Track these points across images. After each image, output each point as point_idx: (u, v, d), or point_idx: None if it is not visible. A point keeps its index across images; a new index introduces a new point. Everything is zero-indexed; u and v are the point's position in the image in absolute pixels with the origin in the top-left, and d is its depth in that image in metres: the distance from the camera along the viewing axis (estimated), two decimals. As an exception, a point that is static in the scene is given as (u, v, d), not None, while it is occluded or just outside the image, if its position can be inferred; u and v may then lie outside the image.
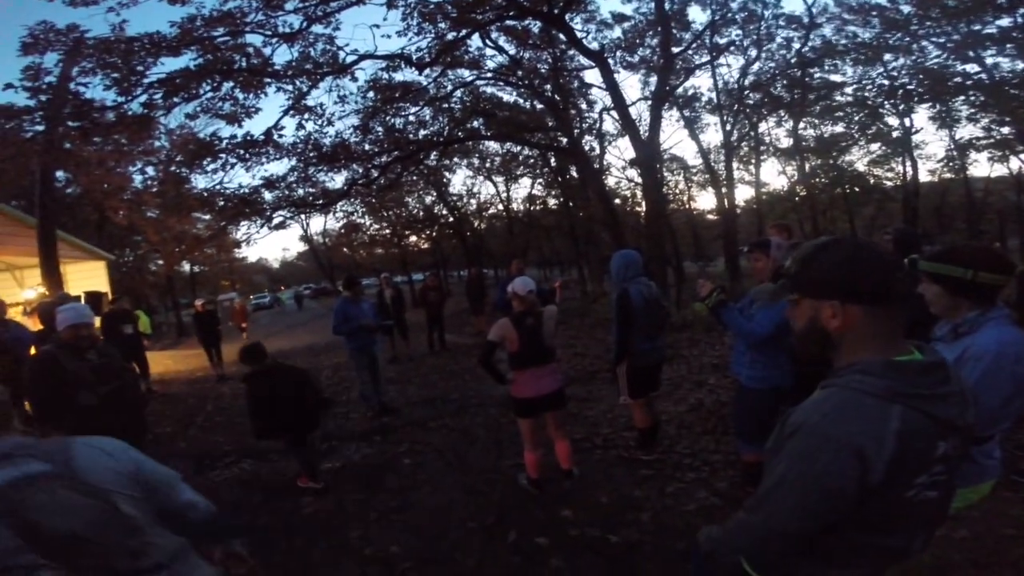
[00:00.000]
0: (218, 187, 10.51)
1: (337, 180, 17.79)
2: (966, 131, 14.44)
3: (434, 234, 25.64)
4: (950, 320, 1.65)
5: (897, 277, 0.97)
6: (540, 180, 20.88)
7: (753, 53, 12.02)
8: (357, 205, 20.18)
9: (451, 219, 23.38)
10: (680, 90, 13.44)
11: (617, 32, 11.86)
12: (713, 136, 39.34)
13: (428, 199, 23.52)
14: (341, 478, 4.11)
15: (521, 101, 12.45)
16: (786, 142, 15.91)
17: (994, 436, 1.66)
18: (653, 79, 10.68)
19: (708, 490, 3.25)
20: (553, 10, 8.90)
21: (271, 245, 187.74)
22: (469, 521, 3.21)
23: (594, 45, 10.36)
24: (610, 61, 10.51)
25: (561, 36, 9.86)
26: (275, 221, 11.60)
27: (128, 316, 7.68)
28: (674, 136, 60.63)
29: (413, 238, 27.24)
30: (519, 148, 16.49)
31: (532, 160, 18.82)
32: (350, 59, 9.54)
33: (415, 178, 19.31)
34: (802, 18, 10.96)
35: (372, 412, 5.61)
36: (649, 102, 10.38)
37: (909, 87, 9.46)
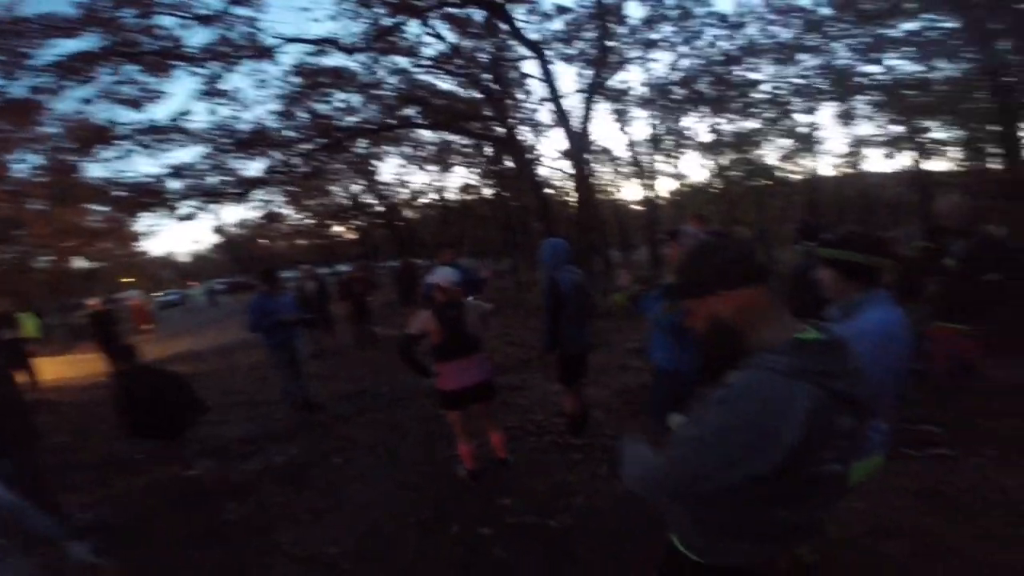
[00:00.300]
0: (117, 176, 9.52)
1: (255, 167, 16.93)
2: (863, 129, 15.99)
3: (362, 224, 24.69)
4: (840, 302, 1.77)
5: (758, 257, 1.08)
6: (475, 170, 20.62)
7: (682, 50, 12.52)
8: (277, 194, 18.98)
9: (380, 208, 22.59)
10: (612, 84, 13.74)
11: (558, 24, 11.86)
12: (640, 129, 40.97)
13: (356, 188, 22.55)
14: (265, 479, 3.91)
15: (458, 90, 12.19)
16: (706, 137, 16.77)
17: (882, 411, 1.75)
18: (588, 72, 10.75)
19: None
20: (495, -2, 8.75)
21: (180, 238, 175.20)
22: (407, 516, 3.15)
23: (534, 36, 10.28)
24: (548, 53, 10.53)
25: (502, 26, 9.69)
26: (183, 212, 10.76)
27: (6, 320, 6.73)
28: (605, 129, 62.50)
29: (339, 228, 26.13)
30: (454, 137, 16.17)
31: (468, 149, 18.54)
32: (274, 42, 8.92)
33: (342, 166, 18.43)
34: (729, 17, 11.56)
35: (296, 409, 5.35)
36: (583, 94, 10.45)
37: (818, 86, 10.28)
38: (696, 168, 49.83)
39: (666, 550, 1.23)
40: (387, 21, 8.92)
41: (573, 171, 10.83)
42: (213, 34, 8.49)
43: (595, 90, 10.42)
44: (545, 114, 15.68)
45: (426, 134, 17.25)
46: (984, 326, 3.19)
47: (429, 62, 10.57)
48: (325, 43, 9.09)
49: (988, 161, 10.59)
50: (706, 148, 17.12)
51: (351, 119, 10.91)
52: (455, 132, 13.40)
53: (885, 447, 1.83)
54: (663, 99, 14.44)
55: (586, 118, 10.07)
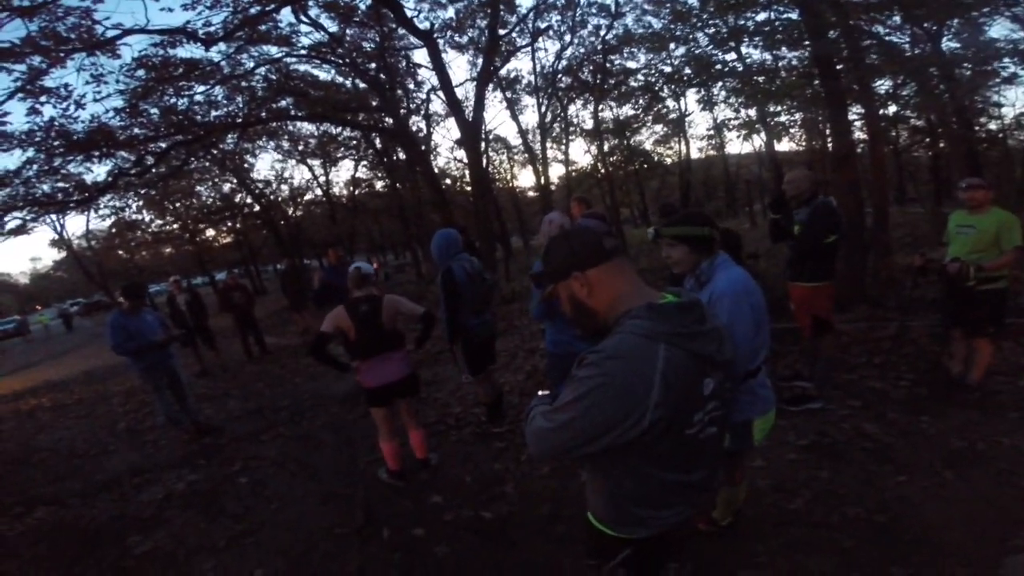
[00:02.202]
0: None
1: (99, 171, 14.78)
2: (723, 113, 17.76)
3: (238, 226, 22.50)
4: (691, 274, 1.98)
5: (605, 237, 1.17)
6: (364, 162, 19.68)
7: (567, 38, 12.92)
8: (130, 199, 16.62)
9: (257, 208, 20.73)
10: (503, 72, 13.85)
11: (450, 12, 11.61)
12: (531, 117, 41.73)
13: (227, 187, 20.46)
14: (169, 509, 3.58)
15: (341, 80, 11.47)
16: (590, 123, 17.61)
17: (761, 368, 1.98)
18: (480, 60, 10.71)
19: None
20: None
21: (14, 256, 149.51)
22: (336, 528, 3.01)
23: (425, 24, 9.95)
24: (439, 41, 10.27)
25: (390, 14, 9.26)
26: (8, 226, 9.19)
27: None
28: (498, 117, 63.01)
29: (211, 232, 23.58)
30: (339, 129, 15.26)
31: (354, 141, 17.62)
32: (112, 33, 7.69)
33: (207, 164, 16.59)
34: (610, 6, 12.14)
35: (187, 435, 4.90)
36: (475, 83, 10.38)
37: (684, 73, 11.18)
38: (583, 154, 52.21)
39: (586, 528, 1.28)
40: (255, 10, 8.07)
41: (468, 160, 10.73)
42: (36, 27, 7.11)
43: (486, 77, 10.39)
44: (437, 103, 15.43)
45: (306, 126, 16.16)
46: (830, 283, 3.65)
47: (306, 51, 9.81)
48: (176, 33, 8.02)
49: (824, 141, 12.37)
50: (590, 134, 17.95)
51: (214, 113, 9.82)
52: (339, 124, 12.67)
53: (773, 402, 2.05)
54: (551, 87, 14.85)
55: (479, 107, 10.03)
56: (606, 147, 18.80)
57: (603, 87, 14.21)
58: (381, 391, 3.22)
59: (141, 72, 8.58)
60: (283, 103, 10.69)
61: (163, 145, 9.44)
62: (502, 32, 10.43)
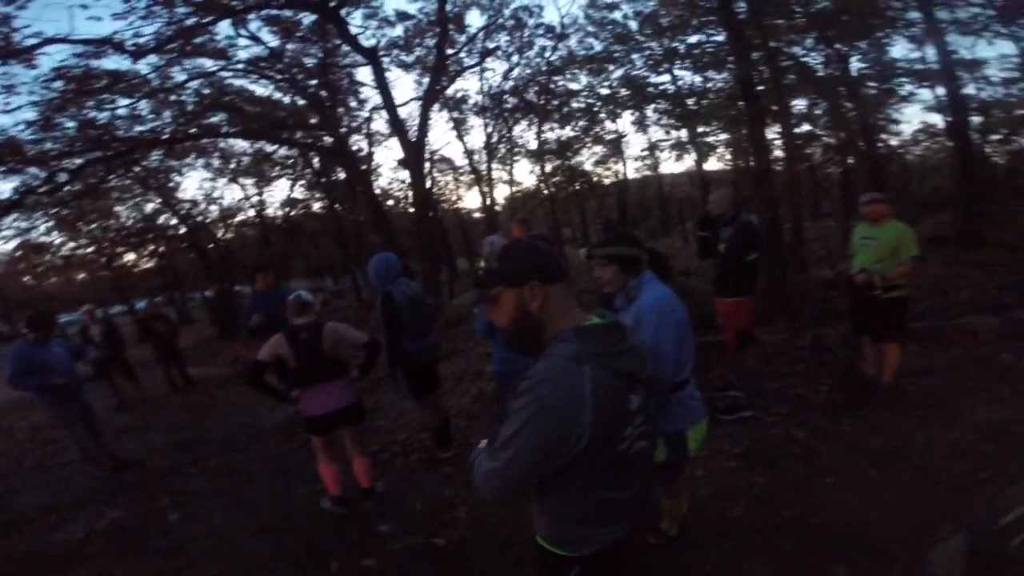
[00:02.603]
0: None
1: (2, 188, 13.43)
2: (656, 134, 18.70)
3: (161, 249, 21.02)
4: (622, 292, 2.08)
5: (559, 261, 1.23)
6: (301, 182, 19.03)
7: (515, 59, 13.15)
8: (39, 219, 15.22)
9: (183, 230, 19.49)
10: (450, 92, 13.85)
11: (398, 30, 11.53)
12: (478, 137, 41.91)
13: (150, 207, 19.13)
14: (92, 546, 3.34)
15: (280, 96, 11.10)
16: (534, 144, 17.99)
17: (689, 380, 2.07)
18: (427, 79, 10.66)
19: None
20: (328, 2, 8.10)
21: None
22: (275, 561, 2.87)
23: (371, 42, 9.82)
24: (385, 60, 10.19)
25: (334, 30, 9.11)
26: None
27: None
28: (443, 137, 62.96)
29: (130, 256, 21.90)
30: (274, 147, 14.71)
31: (291, 160, 17.02)
32: (31, 42, 7.13)
33: (129, 182, 15.50)
34: (556, 28, 12.46)
35: (104, 471, 4.58)
36: (420, 102, 10.35)
37: (619, 95, 11.70)
38: (527, 174, 53.09)
39: (537, 550, 1.30)
40: (192, 21, 7.71)
41: (412, 181, 10.63)
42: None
43: (433, 98, 10.39)
44: (380, 123, 15.23)
45: (239, 144, 15.48)
46: (752, 298, 3.91)
47: (243, 65, 9.45)
48: (101, 44, 7.52)
49: (748, 160, 13.28)
50: (533, 155, 18.34)
51: (139, 128, 9.24)
52: (274, 142, 12.23)
53: (704, 413, 2.14)
54: (497, 107, 15.05)
55: (423, 127, 10.01)
56: (549, 167, 19.25)
57: (547, 108, 14.60)
58: (322, 420, 3.14)
59: (60, 83, 7.97)
60: (215, 119, 10.20)
61: (78, 161, 8.76)
62: (450, 52, 10.49)
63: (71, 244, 19.55)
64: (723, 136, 16.04)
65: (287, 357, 3.04)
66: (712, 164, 19.49)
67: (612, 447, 1.11)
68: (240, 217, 21.62)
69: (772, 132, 8.97)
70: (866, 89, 10.31)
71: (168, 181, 17.32)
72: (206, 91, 9.62)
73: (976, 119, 11.12)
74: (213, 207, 20.26)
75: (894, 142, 15.01)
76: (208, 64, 9.17)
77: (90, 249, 20.03)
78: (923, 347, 4.56)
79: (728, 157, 18.15)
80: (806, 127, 12.88)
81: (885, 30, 8.02)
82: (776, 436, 3.45)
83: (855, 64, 9.35)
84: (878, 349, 3.93)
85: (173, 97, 9.29)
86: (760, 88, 6.46)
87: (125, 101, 8.80)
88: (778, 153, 9.92)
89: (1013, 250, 7.27)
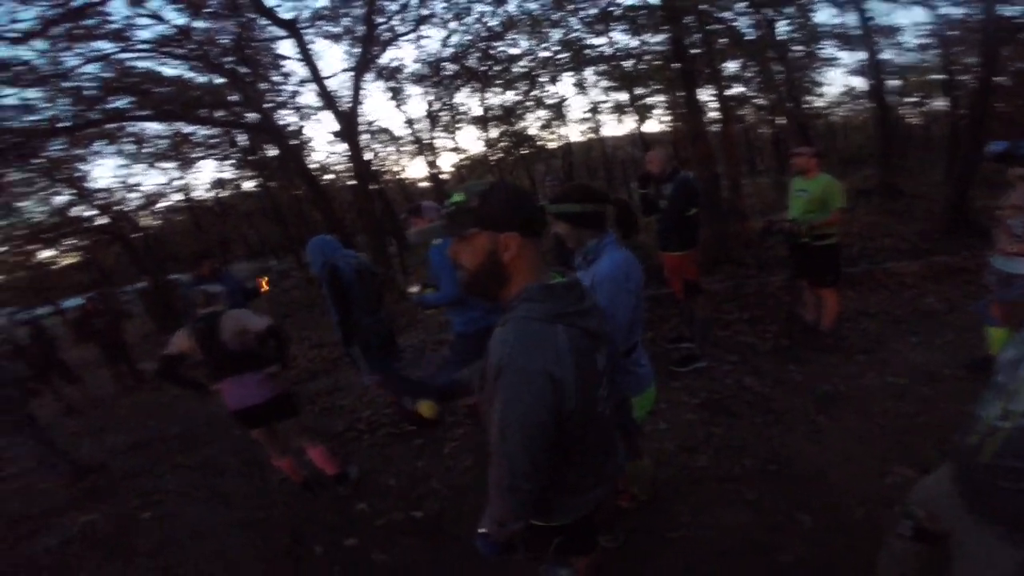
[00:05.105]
0: None
1: None
2: (596, 97, 18.67)
3: (82, 243, 19.31)
4: (580, 250, 1.97)
5: (542, 214, 1.16)
6: (229, 161, 17.81)
7: (453, 25, 12.56)
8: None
9: (103, 221, 17.92)
10: (385, 61, 13.15)
11: (324, 0, 10.72)
12: (418, 106, 40.45)
13: (60, 199, 17.39)
14: (70, 555, 3.23)
15: (193, 76, 10.19)
16: (478, 110, 17.56)
17: (637, 345, 2.04)
18: (358, 50, 10.05)
19: (479, 440, 3.45)
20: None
21: None
22: (262, 551, 2.85)
23: (290, 14, 9.11)
24: (309, 31, 9.51)
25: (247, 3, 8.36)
26: None
27: None
28: (382, 107, 60.37)
29: (47, 253, 20.00)
30: (193, 128, 13.63)
31: (214, 140, 15.84)
32: None
33: (31, 175, 14.00)
34: None
35: (64, 478, 4.36)
36: (352, 73, 9.80)
37: (558, 58, 11.50)
38: (473, 141, 52.06)
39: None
40: (78, 1, 6.87)
41: (349, 153, 10.18)
42: None
43: (365, 68, 9.87)
44: (309, 96, 14.36)
45: (152, 126, 14.23)
46: (696, 250, 4.05)
47: (146, 46, 8.58)
48: None
49: (683, 120, 13.58)
50: (478, 121, 17.95)
51: (32, 118, 8.33)
52: (191, 122, 11.34)
53: (651, 378, 2.12)
54: (436, 75, 14.51)
55: (356, 98, 9.52)
56: (495, 133, 18.90)
57: (488, 74, 14.22)
58: (246, 414, 2.98)
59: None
60: (120, 103, 9.29)
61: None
62: (381, 20, 9.91)
63: (-30, 246, 17.61)
64: (661, 98, 16.22)
65: (191, 350, 2.87)
66: (651, 126, 19.75)
67: (591, 409, 1.10)
68: (165, 203, 20.10)
69: (707, 94, 9.16)
70: (792, 52, 10.66)
71: (76, 171, 15.76)
72: (106, 75, 8.71)
73: (893, 83, 11.76)
74: (132, 195, 18.68)
75: (819, 103, 15.76)
76: (106, 47, 8.27)
77: (1, 249, 18.12)
78: (857, 292, 4.90)
79: (667, 119, 18.44)
80: (739, 89, 13.22)
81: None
82: (730, 385, 3.61)
83: (782, 28, 9.62)
84: (816, 295, 4.18)
85: (67, 84, 8.37)
86: (693, 51, 6.53)
87: (9, 91, 7.87)
88: (713, 115, 10.17)
89: (926, 199, 7.94)
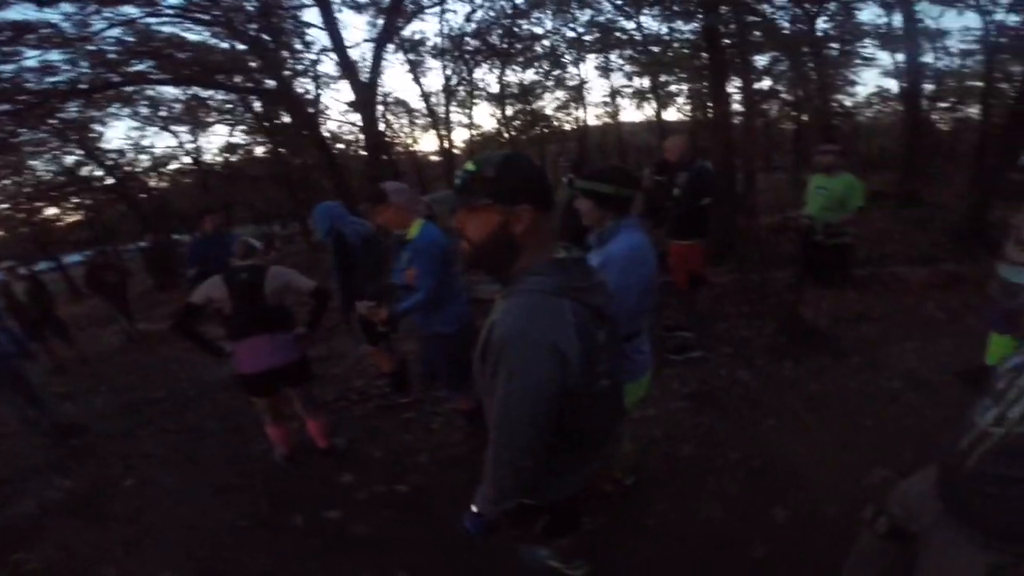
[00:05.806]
0: None
1: None
2: (618, 81, 18.37)
3: (87, 202, 19.46)
4: (597, 230, 1.97)
5: (554, 189, 1.12)
6: (242, 126, 17.77)
7: (477, 1, 12.34)
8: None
9: (111, 181, 17.99)
10: (407, 33, 13.01)
11: None
12: (435, 80, 39.94)
13: (71, 159, 17.45)
14: (47, 520, 3.18)
15: (215, 41, 10.14)
16: (495, 87, 17.37)
17: (640, 332, 2.03)
18: (381, 21, 9.94)
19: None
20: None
21: None
22: (240, 520, 2.82)
23: None
24: (334, 1, 9.43)
25: None
26: None
27: None
28: (399, 79, 60.18)
29: (52, 210, 20.16)
30: (209, 92, 13.59)
31: (229, 105, 15.79)
32: None
33: (45, 135, 14.05)
34: None
35: (48, 438, 4.30)
36: (373, 44, 9.70)
37: (585, 39, 11.25)
38: (487, 118, 51.39)
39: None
40: None
41: (363, 124, 10.12)
42: None
43: (387, 40, 9.77)
44: (329, 65, 14.24)
45: (169, 91, 14.23)
46: (704, 240, 4.02)
47: (172, 11, 8.53)
48: None
49: (707, 111, 13.33)
50: (494, 99, 17.75)
51: (53, 79, 8.34)
52: (209, 87, 11.32)
53: (649, 365, 2.12)
54: (457, 50, 14.33)
55: (376, 69, 9.45)
56: (510, 111, 18.68)
57: (510, 51, 14.00)
58: (259, 378, 2.83)
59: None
60: (140, 66, 9.28)
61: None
62: (408, -9, 9.78)
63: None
64: (684, 87, 15.92)
65: (223, 302, 2.71)
66: (671, 114, 19.41)
67: (590, 383, 1.09)
68: (175, 165, 20.14)
69: (733, 86, 8.98)
70: (829, 50, 10.36)
71: (89, 132, 15.75)
72: (129, 39, 8.68)
73: (928, 87, 11.42)
74: (143, 156, 18.72)
75: (848, 103, 15.38)
76: (132, 11, 8.20)
77: (4, 206, 18.29)
78: (860, 293, 4.84)
79: (688, 108, 18.10)
80: (767, 82, 12.95)
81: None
82: (723, 377, 3.60)
83: (821, 24, 9.34)
84: (819, 294, 4.13)
85: (91, 47, 8.35)
86: (726, 41, 6.40)
87: (33, 53, 7.89)
88: (737, 107, 10.00)
89: (946, 209, 7.78)
